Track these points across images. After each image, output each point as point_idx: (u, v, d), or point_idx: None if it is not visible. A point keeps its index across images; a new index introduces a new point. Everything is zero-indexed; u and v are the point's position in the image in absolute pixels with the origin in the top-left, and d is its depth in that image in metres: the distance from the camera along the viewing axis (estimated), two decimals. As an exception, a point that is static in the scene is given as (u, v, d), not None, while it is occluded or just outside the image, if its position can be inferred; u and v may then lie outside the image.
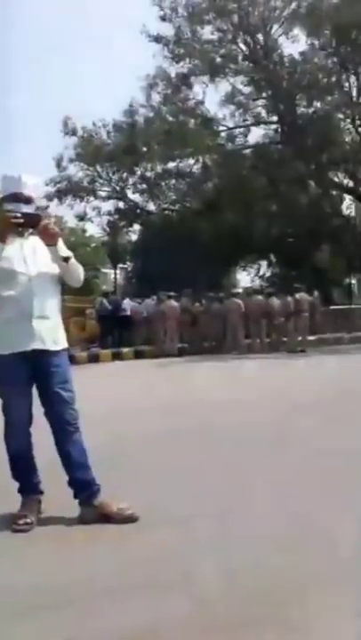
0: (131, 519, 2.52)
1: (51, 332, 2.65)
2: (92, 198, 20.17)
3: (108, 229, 23.55)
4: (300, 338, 12.41)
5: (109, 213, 21.26)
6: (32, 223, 2.64)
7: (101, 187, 20.54)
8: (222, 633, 1.62)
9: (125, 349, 12.67)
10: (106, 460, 3.00)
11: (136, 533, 2.37)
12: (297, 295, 12.66)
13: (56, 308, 2.75)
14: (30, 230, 2.74)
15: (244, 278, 29.03)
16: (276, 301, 13.04)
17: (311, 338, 13.62)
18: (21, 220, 2.55)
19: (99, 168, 19.66)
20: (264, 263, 25.77)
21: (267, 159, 18.87)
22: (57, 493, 2.63)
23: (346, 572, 1.95)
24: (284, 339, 12.80)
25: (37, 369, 2.63)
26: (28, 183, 2.74)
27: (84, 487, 2.60)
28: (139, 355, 12.45)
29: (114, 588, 1.90)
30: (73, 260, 2.82)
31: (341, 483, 2.96)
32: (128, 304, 13.76)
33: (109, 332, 13.07)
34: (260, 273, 26.54)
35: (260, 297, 13.25)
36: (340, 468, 3.22)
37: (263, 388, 7.10)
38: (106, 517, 2.53)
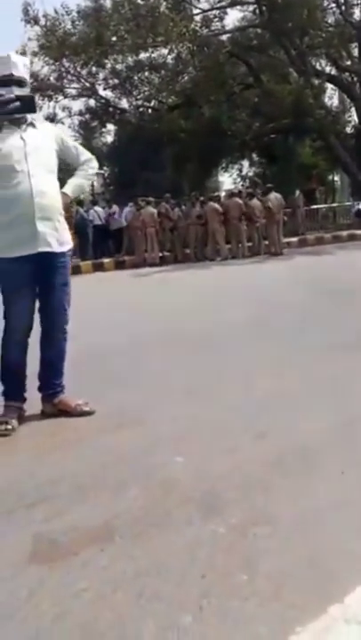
0: (87, 413, 2.74)
1: (55, 233, 2.61)
2: (60, 97, 18.82)
3: (81, 131, 22.30)
4: (277, 239, 12.30)
5: (80, 113, 20.01)
6: (27, 107, 2.43)
7: (70, 83, 19.09)
8: (168, 524, 1.80)
9: (106, 260, 12.55)
10: (81, 364, 3.14)
11: (101, 435, 2.54)
12: (269, 196, 12.34)
13: (59, 208, 2.67)
14: (28, 120, 2.59)
15: (227, 180, 28.18)
16: (256, 203, 12.75)
17: (293, 239, 13.57)
18: (17, 104, 2.33)
19: (65, 62, 18.13)
20: (246, 163, 24.91)
21: (245, 45, 17.50)
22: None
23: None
24: (266, 242, 12.71)
25: (41, 271, 2.61)
26: (18, 63, 2.54)
27: (50, 386, 2.77)
28: (119, 265, 12.36)
29: (80, 486, 2.07)
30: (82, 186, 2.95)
31: (313, 377, 3.12)
32: (103, 212, 13.37)
33: (88, 242, 12.83)
34: (242, 173, 25.74)
35: (237, 199, 12.91)
36: (311, 362, 3.38)
37: (239, 291, 7.19)
38: (65, 412, 2.74)
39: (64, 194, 2.74)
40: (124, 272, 11.64)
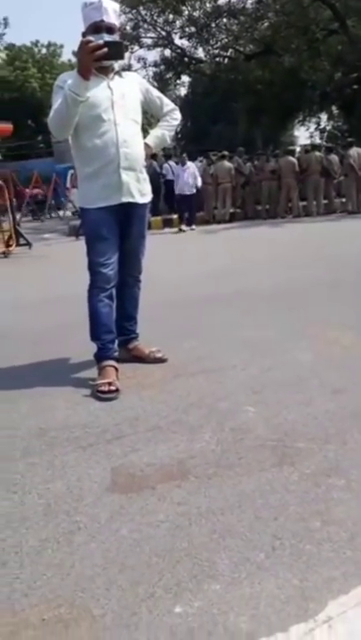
0: (160, 360, 2.83)
1: (137, 184, 2.62)
2: (136, 47, 18.52)
3: (155, 83, 21.95)
4: (356, 197, 11.65)
5: (155, 64, 19.63)
6: (116, 53, 2.38)
7: (146, 33, 18.70)
8: (241, 468, 1.84)
9: (175, 215, 12.46)
10: (155, 315, 3.22)
11: (176, 381, 2.61)
12: (350, 151, 11.60)
13: (142, 159, 2.66)
14: (115, 69, 2.59)
15: (302, 135, 26.95)
16: (335, 158, 12.10)
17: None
18: (105, 50, 2.26)
19: (142, 10, 17.70)
20: (324, 117, 23.62)
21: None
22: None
23: None
24: (343, 199, 12.10)
25: (123, 221, 2.64)
26: (108, 9, 2.50)
27: (125, 333, 2.87)
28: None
29: (156, 426, 2.15)
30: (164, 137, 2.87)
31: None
32: (176, 167, 13.06)
33: (159, 198, 12.73)
34: (321, 127, 24.46)
35: (318, 153, 12.27)
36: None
37: (313, 250, 6.96)
38: (138, 359, 2.86)
39: (146, 145, 2.72)
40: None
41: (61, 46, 31.66)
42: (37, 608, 1.28)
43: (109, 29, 2.48)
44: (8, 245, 8.77)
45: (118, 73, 2.61)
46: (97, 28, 2.46)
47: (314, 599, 1.26)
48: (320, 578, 1.33)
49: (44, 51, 31.46)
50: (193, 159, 13.45)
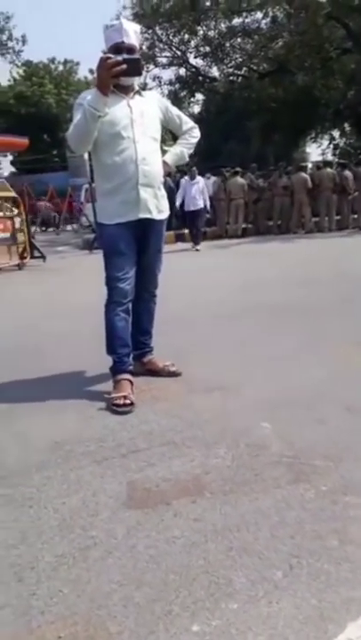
0: (174, 374, 2.84)
1: (155, 201, 2.65)
2: (151, 66, 18.84)
3: (169, 101, 22.29)
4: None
5: (170, 82, 19.92)
6: (134, 70, 2.43)
7: (161, 52, 19.03)
8: (257, 485, 1.83)
9: (187, 230, 12.52)
10: (169, 330, 3.23)
11: (191, 395, 2.61)
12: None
13: (160, 176, 2.70)
14: (136, 89, 2.65)
15: (314, 152, 27.10)
16: (349, 174, 12.14)
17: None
18: (124, 67, 2.32)
19: (158, 30, 18.04)
20: (337, 134, 23.73)
21: (346, 6, 16.43)
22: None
23: None
24: (355, 215, 12.12)
25: (140, 236, 2.67)
26: (129, 30, 2.56)
27: (140, 347, 2.88)
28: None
29: (170, 441, 2.14)
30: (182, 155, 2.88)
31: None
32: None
33: (172, 213, 12.80)
34: (333, 143, 24.57)
35: (330, 170, 12.34)
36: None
37: (326, 265, 6.95)
38: (153, 372, 2.88)
39: (164, 162, 2.76)
40: (205, 243, 11.59)
41: (77, 64, 32.30)
42: (54, 625, 1.28)
43: (130, 50, 2.53)
44: (22, 257, 8.86)
45: (138, 92, 2.67)
46: (118, 49, 2.51)
47: (333, 620, 1.24)
48: (339, 598, 1.31)
49: (60, 68, 32.10)
50: (202, 175, 13.51)
